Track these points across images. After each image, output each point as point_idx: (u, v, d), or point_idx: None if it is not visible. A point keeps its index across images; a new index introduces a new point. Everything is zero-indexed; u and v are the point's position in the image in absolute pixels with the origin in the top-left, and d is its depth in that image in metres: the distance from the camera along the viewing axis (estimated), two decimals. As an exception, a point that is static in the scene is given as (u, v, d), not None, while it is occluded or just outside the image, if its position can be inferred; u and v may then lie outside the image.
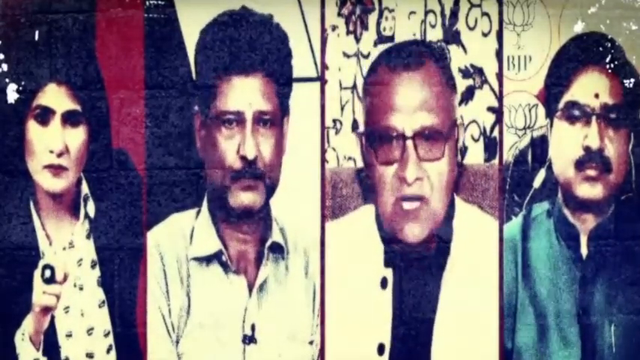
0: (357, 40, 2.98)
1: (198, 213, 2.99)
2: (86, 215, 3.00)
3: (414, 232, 2.89)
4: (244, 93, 2.92)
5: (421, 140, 2.85)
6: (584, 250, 2.98)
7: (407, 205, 2.87)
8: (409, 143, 2.85)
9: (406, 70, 2.91)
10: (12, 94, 2.97)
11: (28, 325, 2.95)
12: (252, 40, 2.96)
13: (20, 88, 2.97)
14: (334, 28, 2.99)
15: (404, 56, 2.93)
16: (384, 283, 2.97)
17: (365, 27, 2.98)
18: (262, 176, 2.93)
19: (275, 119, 2.94)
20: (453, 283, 2.95)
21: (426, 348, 2.96)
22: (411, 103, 2.87)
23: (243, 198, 2.94)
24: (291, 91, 2.97)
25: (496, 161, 2.95)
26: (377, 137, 2.89)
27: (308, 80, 2.98)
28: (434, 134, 2.86)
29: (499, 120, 2.96)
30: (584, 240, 2.98)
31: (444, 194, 2.89)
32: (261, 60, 2.94)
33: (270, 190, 2.96)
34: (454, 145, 2.91)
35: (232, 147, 2.91)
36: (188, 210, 2.99)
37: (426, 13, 2.96)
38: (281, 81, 2.96)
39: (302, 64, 2.97)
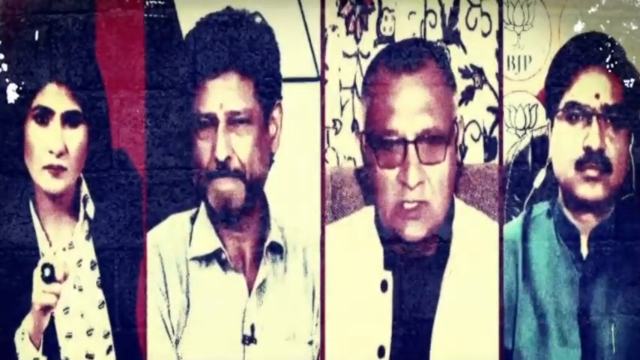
0: (357, 40, 2.98)
1: (196, 213, 2.99)
2: (85, 216, 3.00)
3: (414, 231, 2.89)
4: (215, 94, 2.93)
5: (423, 144, 2.84)
6: (584, 250, 2.98)
7: (408, 207, 2.87)
8: (411, 147, 2.84)
9: (406, 71, 2.90)
10: (12, 94, 2.97)
11: (28, 324, 2.95)
12: (231, 39, 2.96)
13: (20, 88, 2.97)
14: (334, 28, 2.99)
15: (404, 56, 2.92)
16: (384, 286, 2.96)
17: (365, 27, 2.98)
18: (240, 175, 2.92)
19: (252, 118, 2.93)
20: (453, 283, 2.94)
21: (427, 349, 2.96)
22: (412, 106, 2.86)
23: (220, 198, 2.94)
24: (278, 87, 2.97)
25: (496, 161, 2.95)
26: (378, 140, 2.89)
27: (308, 80, 2.98)
28: (435, 137, 2.85)
29: (499, 120, 2.96)
30: (584, 240, 2.98)
31: (445, 197, 2.89)
32: (234, 59, 2.94)
33: (253, 187, 2.95)
34: (454, 146, 2.91)
35: (208, 148, 2.92)
36: (187, 210, 3.00)
37: (426, 13, 2.96)
38: (262, 79, 2.95)
39: (302, 64, 2.98)
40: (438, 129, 2.85)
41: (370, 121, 2.92)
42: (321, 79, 2.98)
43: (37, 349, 2.95)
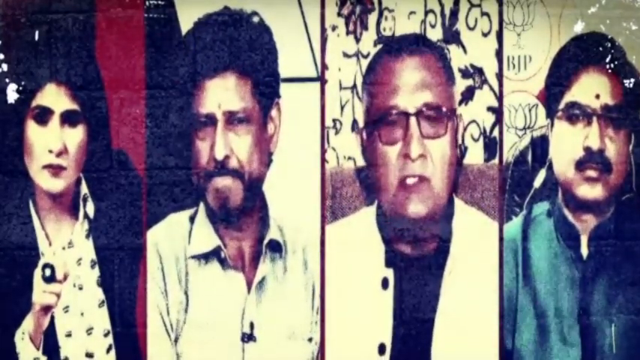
0: (357, 40, 2.98)
1: (195, 212, 2.99)
2: (85, 215, 3.00)
3: (415, 209, 2.88)
4: (214, 94, 2.93)
5: (424, 117, 2.86)
6: (584, 251, 2.98)
7: (410, 182, 2.87)
8: (412, 120, 2.85)
9: (407, 55, 2.91)
10: (12, 94, 2.97)
11: (28, 324, 2.95)
12: (229, 39, 2.96)
13: (20, 88, 2.97)
14: (334, 28, 2.99)
15: (405, 49, 2.93)
16: (385, 283, 2.97)
17: (365, 27, 2.98)
18: (239, 174, 2.93)
19: (251, 117, 2.94)
20: (453, 283, 2.95)
21: (427, 348, 2.96)
22: (412, 82, 2.88)
23: (219, 197, 2.94)
24: (276, 87, 2.97)
25: (496, 161, 2.95)
26: (380, 118, 2.89)
27: (308, 80, 2.98)
28: (436, 111, 2.86)
29: (499, 120, 2.96)
30: (584, 240, 2.98)
31: (446, 173, 2.89)
32: (233, 59, 2.94)
33: (252, 187, 2.95)
34: (455, 127, 2.91)
35: (207, 148, 2.92)
36: (187, 209, 3.00)
37: (426, 13, 2.96)
38: (260, 78, 2.95)
39: (302, 64, 2.97)
40: (438, 103, 2.87)
41: (372, 106, 2.92)
42: (321, 79, 2.98)
43: (38, 348, 2.96)
